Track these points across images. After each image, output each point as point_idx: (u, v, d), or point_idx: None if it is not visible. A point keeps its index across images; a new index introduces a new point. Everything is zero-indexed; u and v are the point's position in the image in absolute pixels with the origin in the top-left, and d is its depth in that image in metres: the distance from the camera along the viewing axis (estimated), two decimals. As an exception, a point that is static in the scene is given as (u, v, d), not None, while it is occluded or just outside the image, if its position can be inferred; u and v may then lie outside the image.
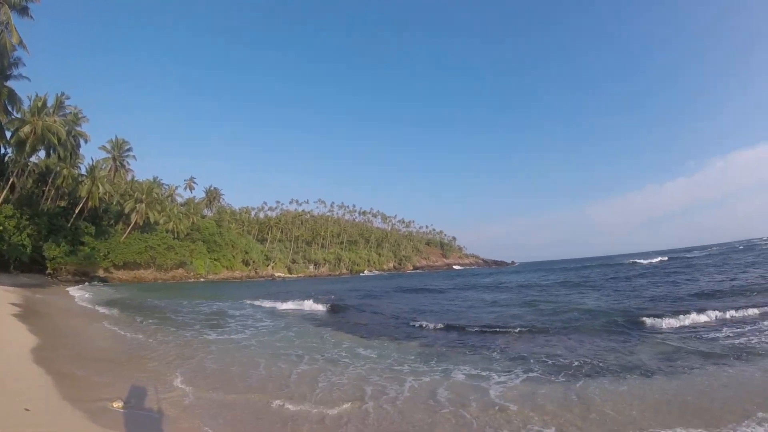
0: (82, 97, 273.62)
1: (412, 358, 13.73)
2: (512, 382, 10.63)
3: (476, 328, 18.17)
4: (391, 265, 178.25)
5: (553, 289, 37.09)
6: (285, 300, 33.39)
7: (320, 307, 28.56)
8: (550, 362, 12.26)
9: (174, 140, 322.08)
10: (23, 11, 37.86)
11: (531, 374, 11.16)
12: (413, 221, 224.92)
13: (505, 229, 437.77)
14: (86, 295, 40.39)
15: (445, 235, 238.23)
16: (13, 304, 25.43)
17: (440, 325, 19.39)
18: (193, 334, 19.22)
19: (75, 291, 46.02)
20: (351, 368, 12.41)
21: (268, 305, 31.19)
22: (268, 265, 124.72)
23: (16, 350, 13.06)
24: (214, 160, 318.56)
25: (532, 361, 12.46)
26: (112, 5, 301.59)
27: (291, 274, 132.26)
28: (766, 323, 15.06)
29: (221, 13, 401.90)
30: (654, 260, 72.87)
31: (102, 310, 29.07)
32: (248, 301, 34.65)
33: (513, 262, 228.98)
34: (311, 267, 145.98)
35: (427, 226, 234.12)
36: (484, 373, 11.36)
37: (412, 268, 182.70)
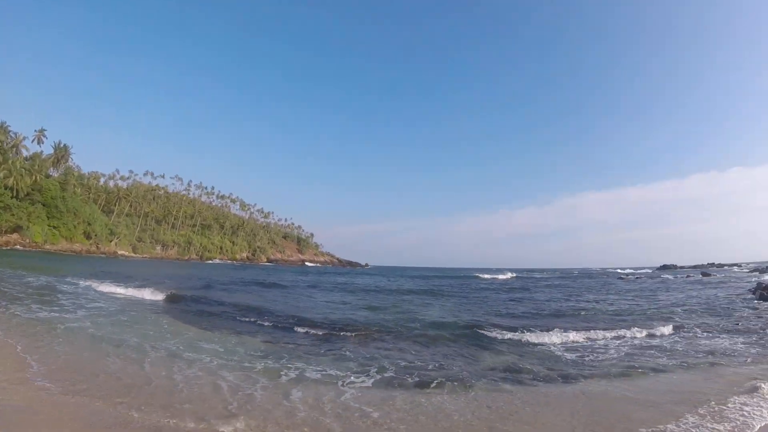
0: None
1: (261, 354, 13.18)
2: (366, 383, 10.51)
3: (325, 328, 18.07)
4: (244, 255, 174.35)
5: (403, 294, 38.59)
6: (126, 282, 31.57)
7: (160, 294, 26.62)
8: (402, 365, 12.29)
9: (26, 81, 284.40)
10: None
11: (385, 375, 11.16)
12: (272, 212, 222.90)
13: (360, 232, 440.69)
14: None
15: (304, 230, 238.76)
16: None
17: (289, 322, 19.28)
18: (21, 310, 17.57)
19: None
20: (198, 363, 11.54)
21: (108, 288, 28.55)
22: (111, 241, 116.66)
23: None
24: (68, 112, 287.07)
25: (384, 363, 12.41)
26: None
27: (135, 253, 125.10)
28: (599, 344, 16.20)
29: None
30: (502, 276, 78.55)
31: None
32: (84, 282, 31.08)
33: (366, 264, 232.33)
34: (158, 248, 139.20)
35: (286, 219, 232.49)
36: (340, 373, 11.16)
37: (266, 260, 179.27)
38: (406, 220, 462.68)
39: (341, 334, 16.91)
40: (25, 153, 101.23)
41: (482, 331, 17.48)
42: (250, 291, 35.37)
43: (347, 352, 13.68)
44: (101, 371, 10.07)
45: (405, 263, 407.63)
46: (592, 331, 17.87)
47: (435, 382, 10.49)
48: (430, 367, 12.15)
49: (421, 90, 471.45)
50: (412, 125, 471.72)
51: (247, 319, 19.89)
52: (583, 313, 24.83)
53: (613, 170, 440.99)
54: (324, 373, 11.13)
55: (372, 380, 10.62)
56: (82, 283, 29.93)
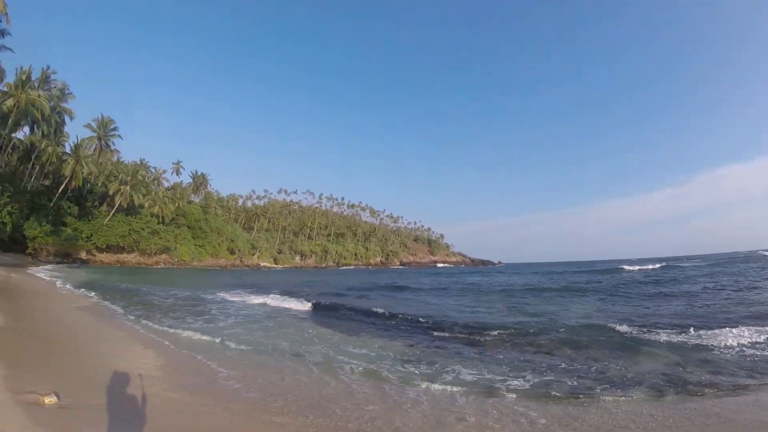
0: (66, 68, 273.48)
1: (412, 358, 12.90)
2: (524, 386, 10.01)
3: (464, 330, 17.27)
4: (378, 259, 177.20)
5: (540, 292, 35.71)
6: (268, 291, 32.51)
7: (300, 301, 27.14)
8: (552, 368, 11.60)
9: (163, 121, 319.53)
10: None
11: (543, 379, 10.58)
12: (401, 217, 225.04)
13: (492, 229, 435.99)
14: (64, 277, 39.30)
15: (433, 232, 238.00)
16: None
17: (426, 325, 18.69)
18: (172, 323, 18.32)
19: (53, 272, 44.91)
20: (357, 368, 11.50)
21: (251, 298, 29.64)
22: (253, 255, 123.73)
23: None
24: (203, 144, 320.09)
25: (535, 366, 11.82)
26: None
27: (276, 264, 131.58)
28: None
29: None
30: (647, 267, 69.90)
31: (79, 292, 28.25)
32: (227, 293, 32.79)
33: (499, 262, 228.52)
34: (297, 258, 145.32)
35: (415, 223, 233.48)
36: (496, 377, 10.72)
37: (398, 263, 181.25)
38: (535, 214, 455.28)
39: (482, 336, 16.22)
40: (166, 184, 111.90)
41: (633, 332, 16.07)
42: (384, 295, 35.18)
43: (497, 355, 13.30)
44: (278, 377, 10.53)
45: (539, 259, 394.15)
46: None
47: (591, 387, 9.89)
48: (583, 371, 11.40)
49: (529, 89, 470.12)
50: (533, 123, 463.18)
51: (384, 323, 19.89)
52: (754, 308, 21.15)
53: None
54: (479, 376, 10.85)
55: (529, 384, 10.18)
56: (228, 294, 31.42)
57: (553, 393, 9.48)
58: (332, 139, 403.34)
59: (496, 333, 16.31)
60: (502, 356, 13.10)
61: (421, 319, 19.86)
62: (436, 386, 9.90)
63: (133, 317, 19.71)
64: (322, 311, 24.25)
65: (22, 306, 20.45)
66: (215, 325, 18.20)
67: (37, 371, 9.38)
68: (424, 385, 9.99)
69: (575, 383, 10.18)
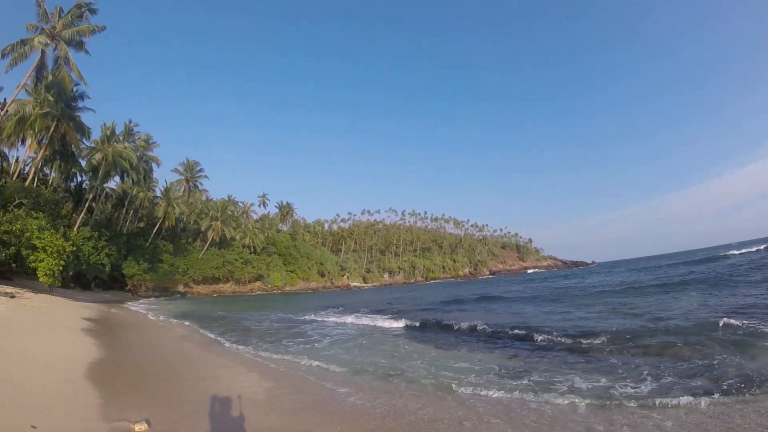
0: (147, 118, 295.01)
1: (519, 370, 12.42)
2: (643, 391, 9.59)
3: (565, 337, 16.46)
4: (466, 270, 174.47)
5: (639, 290, 33.28)
6: (359, 310, 32.80)
7: (392, 319, 26.77)
8: (668, 372, 10.93)
9: (245, 158, 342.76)
10: (79, 46, 40.72)
11: (662, 383, 10.10)
12: (486, 225, 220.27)
13: (582, 229, 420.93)
14: (160, 309, 41.79)
15: (521, 237, 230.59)
16: (87, 319, 25.76)
17: (523, 334, 17.90)
18: (269, 346, 18.65)
19: (150, 305, 47.58)
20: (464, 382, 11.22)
21: (343, 317, 29.53)
22: (343, 275, 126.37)
23: (73, 365, 12.39)
24: (284, 175, 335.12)
25: (650, 370, 11.16)
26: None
27: (366, 283, 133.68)
28: None
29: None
30: (751, 249, 64.53)
31: (174, 322, 29.74)
32: (320, 314, 33.09)
33: (593, 262, 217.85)
34: (386, 275, 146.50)
35: (501, 230, 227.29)
36: (612, 383, 10.28)
37: (488, 272, 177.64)
38: (626, 208, 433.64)
39: (585, 341, 15.37)
40: (254, 216, 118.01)
41: (745, 325, 14.58)
42: (475, 307, 33.42)
43: (606, 361, 12.78)
44: (395, 395, 10.49)
45: (633, 254, 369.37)
46: None
47: (710, 390, 9.18)
48: (698, 372, 10.68)
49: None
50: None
51: (479, 336, 19.36)
52: None
53: None
54: (595, 383, 10.44)
55: (648, 389, 9.71)
56: (321, 315, 31.82)
57: (675, 398, 8.89)
58: (407, 153, 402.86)
59: (599, 338, 15.41)
60: (611, 362, 12.61)
61: (517, 329, 18.94)
62: (554, 397, 9.59)
63: (229, 343, 20.24)
64: (415, 327, 23.77)
65: (121, 338, 21.09)
66: (312, 347, 18.38)
67: (133, 399, 9.65)
68: (541, 396, 9.67)
69: (696, 384, 9.70)
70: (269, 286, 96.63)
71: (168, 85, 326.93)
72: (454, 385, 10.83)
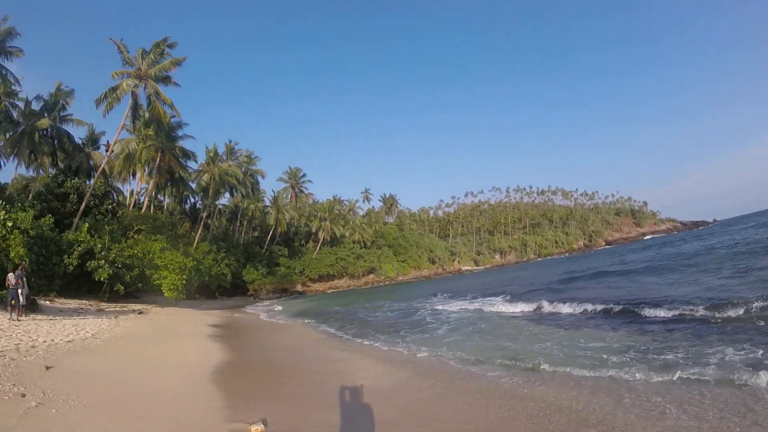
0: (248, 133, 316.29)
1: (659, 346, 11.59)
2: None
3: (695, 307, 15.34)
4: (580, 243, 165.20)
5: None
6: (471, 294, 33.01)
7: (511, 301, 26.15)
8: None
9: (344, 158, 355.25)
10: (166, 80, 44.76)
11: None
12: (596, 192, 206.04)
13: (699, 184, 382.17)
14: (279, 310, 44.17)
15: (635, 201, 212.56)
16: (212, 326, 27.34)
17: (648, 307, 16.91)
18: (387, 338, 18.76)
19: (269, 306, 50.69)
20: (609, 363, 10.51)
21: (456, 303, 29.28)
22: (453, 260, 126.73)
23: (198, 369, 13.03)
24: (383, 168, 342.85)
25: None
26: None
27: (478, 266, 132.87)
28: None
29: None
30: None
31: (295, 321, 31.17)
32: (434, 302, 33.40)
33: (714, 221, 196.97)
34: (497, 256, 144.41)
35: (612, 195, 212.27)
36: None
37: (603, 243, 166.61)
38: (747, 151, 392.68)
39: (720, 312, 14.20)
40: (360, 212, 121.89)
41: None
42: (592, 283, 31.70)
43: (753, 332, 11.70)
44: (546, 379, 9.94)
45: (758, 207, 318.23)
46: None
47: None
48: None
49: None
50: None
51: (601, 312, 18.51)
52: None
53: None
54: (750, 355, 9.71)
55: None
56: (435, 302, 32.07)
57: None
58: (503, 122, 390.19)
59: (738, 308, 14.08)
60: (758, 332, 11.53)
61: (643, 304, 17.85)
62: (715, 372, 8.82)
63: (347, 336, 20.78)
64: (533, 308, 22.83)
65: (244, 341, 22.09)
66: (430, 335, 18.23)
67: (255, 399, 9.85)
68: (697, 371, 8.96)
69: None
70: (382, 277, 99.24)
71: (268, 91, 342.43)
72: (598, 366, 10.24)
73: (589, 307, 19.69)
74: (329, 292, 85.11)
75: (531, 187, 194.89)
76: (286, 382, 11.81)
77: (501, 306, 25.45)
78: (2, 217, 23.23)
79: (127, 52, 43.09)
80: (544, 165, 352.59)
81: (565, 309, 20.81)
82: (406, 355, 14.63)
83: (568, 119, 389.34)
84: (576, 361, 10.88)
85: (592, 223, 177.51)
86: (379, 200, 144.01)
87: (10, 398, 7.45)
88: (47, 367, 10.06)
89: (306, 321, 30.33)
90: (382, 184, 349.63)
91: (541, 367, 10.86)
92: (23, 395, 7.65)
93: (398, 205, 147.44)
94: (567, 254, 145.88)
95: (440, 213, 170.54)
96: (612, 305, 18.76)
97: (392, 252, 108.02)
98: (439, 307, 28.70)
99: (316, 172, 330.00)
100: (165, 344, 18.64)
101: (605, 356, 11.06)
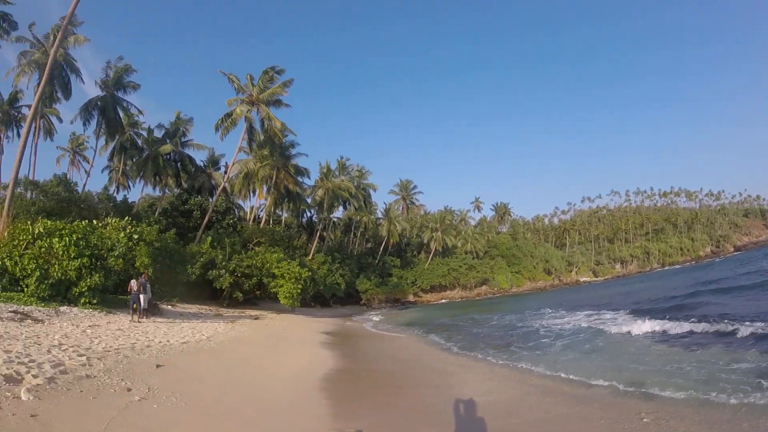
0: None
1: None
2: None
3: None
4: (707, 249, 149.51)
5: None
6: (589, 309, 31.21)
7: (630, 317, 24.74)
8: None
9: (454, 168, 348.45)
10: (277, 104, 47.25)
11: None
12: (723, 191, 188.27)
13: None
14: (387, 319, 44.99)
15: (764, 200, 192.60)
16: (324, 333, 28.32)
17: None
18: (496, 353, 18.27)
19: (379, 316, 51.59)
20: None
21: (571, 318, 28.10)
22: (570, 271, 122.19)
23: (309, 375, 13.38)
24: (493, 176, 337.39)
25: None
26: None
27: (597, 277, 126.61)
28: None
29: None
30: None
31: (404, 331, 31.57)
32: (547, 316, 32.01)
33: None
34: (617, 266, 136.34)
35: (740, 194, 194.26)
36: None
37: (732, 249, 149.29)
38: None
39: None
40: (472, 222, 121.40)
41: None
42: (726, 297, 29.34)
43: None
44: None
45: None
46: None
47: None
48: None
49: None
50: None
51: (732, 331, 16.68)
52: None
53: None
54: None
55: None
56: (548, 317, 30.99)
57: None
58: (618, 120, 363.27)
59: None
60: None
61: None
62: None
63: (456, 348, 20.57)
64: (660, 326, 20.73)
65: (354, 348, 22.48)
66: (543, 352, 17.72)
67: (359, 407, 10.05)
68: None
69: None
70: (495, 289, 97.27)
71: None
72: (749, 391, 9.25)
73: (723, 327, 17.58)
74: (441, 302, 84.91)
75: (652, 189, 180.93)
76: (392, 393, 11.82)
77: (621, 322, 23.59)
78: (129, 230, 25.87)
79: (238, 80, 46.61)
80: (665, 164, 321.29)
81: (695, 327, 18.84)
82: (519, 372, 14.18)
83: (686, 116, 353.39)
84: (718, 386, 9.79)
85: (720, 227, 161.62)
86: (491, 209, 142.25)
87: (115, 392, 8.13)
88: (158, 366, 10.96)
89: (415, 331, 30.60)
90: (492, 191, 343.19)
91: (677, 395, 9.89)
92: (129, 389, 8.38)
93: (511, 214, 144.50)
94: (693, 262, 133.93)
95: (555, 221, 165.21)
96: (748, 324, 16.70)
97: (505, 263, 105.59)
98: (554, 322, 27.66)
99: (426, 182, 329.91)
100: (277, 349, 19.62)
101: (759, 380, 9.80)
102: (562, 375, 12.86)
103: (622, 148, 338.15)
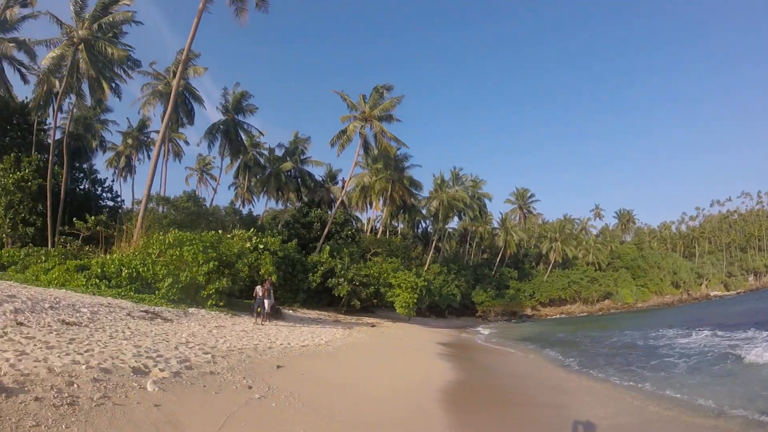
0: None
1: None
2: None
3: None
4: None
5: None
6: (717, 328, 29.49)
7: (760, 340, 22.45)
8: None
9: (573, 173, 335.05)
10: (389, 119, 47.94)
11: None
12: None
13: None
14: (503, 333, 44.33)
15: None
16: (440, 344, 28.28)
17: None
18: (617, 372, 17.58)
19: (495, 329, 50.51)
20: None
21: (710, 338, 26.09)
22: (700, 284, 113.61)
23: (426, 386, 13.31)
24: (612, 182, 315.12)
25: None
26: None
27: (728, 290, 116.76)
28: None
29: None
30: None
31: (521, 346, 30.66)
32: (672, 334, 30.15)
33: None
34: (750, 278, 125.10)
35: None
36: None
37: None
38: None
39: None
40: (594, 231, 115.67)
41: None
42: None
43: None
44: None
45: None
46: None
47: None
48: None
49: None
50: None
51: None
52: None
53: None
54: None
55: None
56: (675, 334, 29.55)
57: None
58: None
59: None
60: None
61: None
62: None
63: (576, 366, 19.92)
64: None
65: (469, 361, 22.29)
66: (668, 373, 16.69)
67: (480, 426, 9.81)
68: None
69: None
70: (619, 303, 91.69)
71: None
72: None
73: None
74: (560, 317, 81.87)
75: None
76: (511, 412, 11.49)
77: (757, 344, 21.54)
78: (255, 241, 28.02)
79: (350, 99, 49.18)
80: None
81: None
82: (641, 394, 13.33)
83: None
84: None
85: None
86: (614, 216, 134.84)
87: (237, 388, 8.68)
88: (278, 366, 11.55)
89: (531, 346, 29.85)
90: (613, 198, 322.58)
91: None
92: (250, 387, 8.93)
93: (635, 221, 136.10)
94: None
95: (683, 228, 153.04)
96: None
97: (630, 275, 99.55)
98: (680, 341, 26.05)
99: (542, 190, 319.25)
100: (392, 357, 19.92)
101: None
102: (688, 399, 12.05)
103: (750, 140, 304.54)
